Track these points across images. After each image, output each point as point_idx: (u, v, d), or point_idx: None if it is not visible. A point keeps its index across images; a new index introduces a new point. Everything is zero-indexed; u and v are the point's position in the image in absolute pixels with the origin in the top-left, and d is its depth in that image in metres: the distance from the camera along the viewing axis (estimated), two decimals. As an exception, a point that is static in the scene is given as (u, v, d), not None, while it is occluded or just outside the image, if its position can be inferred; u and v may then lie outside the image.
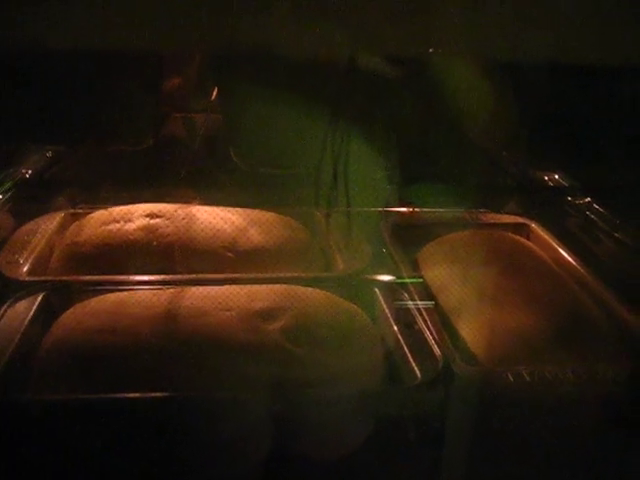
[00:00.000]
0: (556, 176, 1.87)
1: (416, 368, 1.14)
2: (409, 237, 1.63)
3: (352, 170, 1.46)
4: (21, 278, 1.32)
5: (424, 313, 1.30)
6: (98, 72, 1.10)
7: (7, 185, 1.44)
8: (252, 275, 1.36)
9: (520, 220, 1.76)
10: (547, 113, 1.57)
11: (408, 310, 1.32)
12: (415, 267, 1.52)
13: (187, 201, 1.55)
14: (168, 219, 1.47)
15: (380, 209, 1.76)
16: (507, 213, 1.81)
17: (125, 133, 1.11)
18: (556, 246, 1.62)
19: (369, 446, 1.15)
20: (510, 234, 1.67)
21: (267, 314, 1.17)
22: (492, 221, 1.77)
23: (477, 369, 1.16)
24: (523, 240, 1.66)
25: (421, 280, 1.44)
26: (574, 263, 1.54)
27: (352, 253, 1.51)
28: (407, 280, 1.42)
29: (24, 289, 1.28)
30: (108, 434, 1.03)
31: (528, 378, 1.12)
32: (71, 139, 1.12)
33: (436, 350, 1.18)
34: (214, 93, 1.56)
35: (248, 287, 1.25)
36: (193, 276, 1.35)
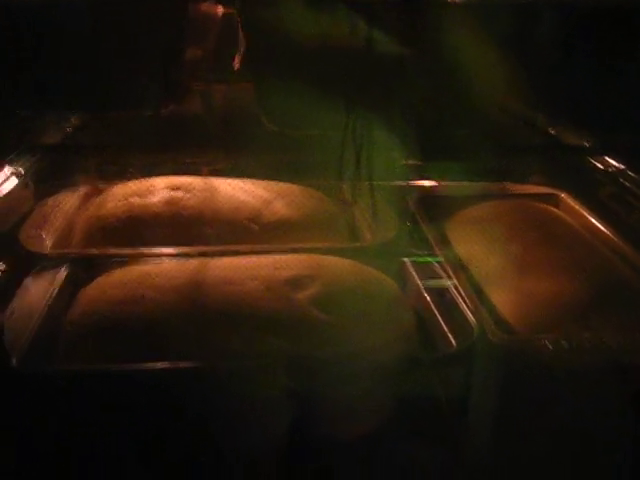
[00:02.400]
0: (585, 143, 1.81)
1: (450, 336, 1.11)
2: (436, 209, 1.60)
3: (372, 146, 1.44)
4: (45, 252, 1.30)
5: (456, 282, 1.26)
6: (117, 40, 1.07)
7: (26, 158, 1.41)
8: (278, 246, 1.33)
9: (549, 190, 1.71)
10: (567, 78, 1.52)
11: (439, 279, 1.28)
12: (444, 238, 1.48)
13: (210, 173, 1.52)
14: (190, 191, 1.44)
15: (404, 182, 1.72)
16: (535, 184, 1.77)
17: (141, 100, 1.08)
18: (588, 215, 1.57)
19: (401, 417, 1.12)
20: (540, 203, 1.62)
21: (295, 283, 1.14)
22: (520, 191, 1.73)
23: (514, 337, 1.12)
24: (553, 209, 1.61)
25: (451, 250, 1.41)
26: (607, 232, 1.49)
27: (379, 224, 1.48)
28: (436, 250, 1.38)
29: (48, 262, 1.26)
30: (133, 405, 1.01)
31: (566, 345, 1.08)
32: (89, 106, 1.09)
33: (470, 318, 1.14)
34: (236, 63, 1.53)
35: (274, 256, 1.22)
36: (217, 247, 1.32)
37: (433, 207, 1.60)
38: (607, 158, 1.75)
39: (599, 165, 1.74)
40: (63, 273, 1.25)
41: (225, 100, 1.54)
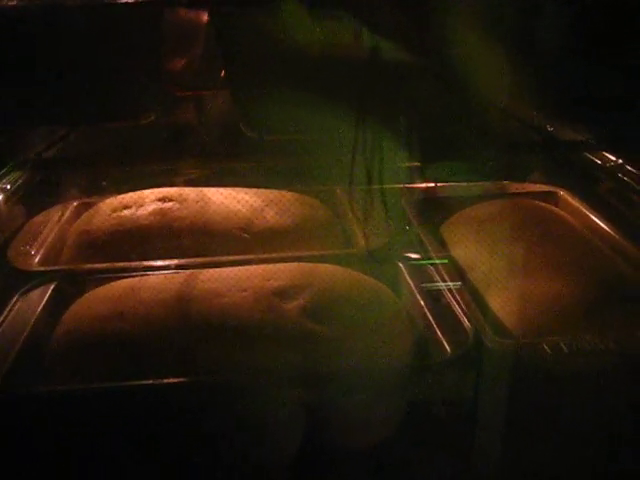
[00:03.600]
0: (581, 139, 1.78)
1: (445, 343, 1.08)
2: (432, 212, 1.57)
3: (371, 149, 1.42)
4: (32, 268, 1.28)
5: (452, 287, 1.24)
6: (100, 50, 1.04)
7: (15, 175, 1.39)
8: (270, 255, 1.30)
9: (548, 188, 1.68)
10: (564, 72, 1.49)
11: (435, 283, 1.25)
12: (440, 241, 1.45)
13: (200, 182, 1.50)
14: (181, 202, 1.42)
15: (401, 185, 1.70)
16: (533, 182, 1.74)
17: (128, 110, 1.06)
18: (588, 213, 1.54)
19: (400, 425, 1.09)
20: (539, 202, 1.59)
21: (284, 293, 1.11)
22: (518, 190, 1.70)
23: (510, 341, 1.09)
24: (552, 207, 1.58)
25: (447, 253, 1.38)
26: (608, 229, 1.46)
27: (373, 229, 1.45)
28: (432, 254, 1.36)
29: (35, 279, 1.24)
30: (123, 424, 0.98)
31: (566, 349, 1.05)
32: (74, 118, 1.07)
33: (465, 323, 1.12)
34: (223, 70, 1.51)
35: (263, 267, 1.19)
36: (207, 259, 1.30)
37: (429, 209, 1.57)
38: (605, 153, 1.71)
39: (597, 161, 1.70)
40: (51, 290, 1.22)
41: (214, 107, 1.52)
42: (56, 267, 1.31)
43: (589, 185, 1.69)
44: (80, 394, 0.99)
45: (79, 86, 0.99)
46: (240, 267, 1.19)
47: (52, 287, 1.23)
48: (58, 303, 1.21)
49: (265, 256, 1.29)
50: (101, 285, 1.21)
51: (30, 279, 1.24)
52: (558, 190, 1.66)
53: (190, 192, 1.46)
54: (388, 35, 1.23)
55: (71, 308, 1.15)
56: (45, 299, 1.20)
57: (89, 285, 1.24)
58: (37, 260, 1.32)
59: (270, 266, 1.19)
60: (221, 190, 1.49)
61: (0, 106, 0.99)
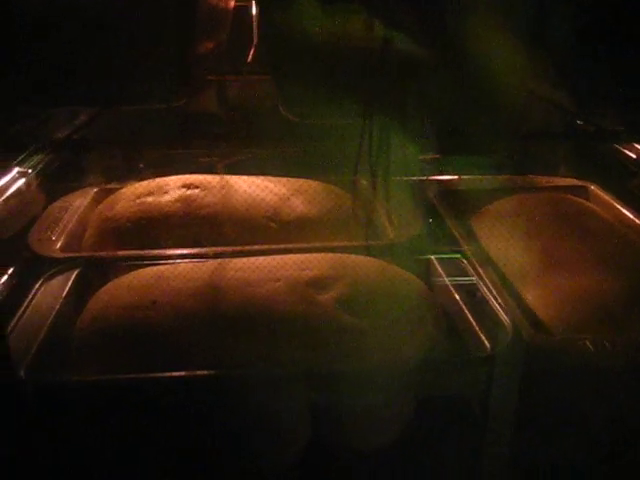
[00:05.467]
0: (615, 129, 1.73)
1: (484, 338, 1.04)
2: (460, 204, 1.53)
3: (390, 141, 1.39)
4: (54, 255, 1.25)
5: (486, 280, 1.20)
6: (134, 31, 1.00)
7: (36, 159, 1.35)
8: (300, 245, 1.26)
9: (577, 182, 1.64)
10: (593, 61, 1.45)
11: (468, 277, 1.22)
12: (471, 234, 1.41)
13: (226, 167, 1.46)
14: (205, 189, 1.39)
15: (424, 178, 1.66)
16: (561, 176, 1.70)
17: (161, 92, 1.02)
18: (620, 207, 1.50)
19: (432, 423, 1.06)
20: (569, 196, 1.55)
21: (318, 283, 1.08)
22: (548, 184, 1.66)
23: (552, 338, 1.05)
24: (584, 201, 1.54)
25: (480, 247, 1.34)
26: (641, 224, 1.42)
27: (402, 221, 1.41)
28: (464, 247, 1.32)
29: (57, 266, 1.21)
30: (151, 416, 0.95)
31: (609, 346, 1.02)
32: (105, 100, 1.03)
33: (504, 318, 1.08)
34: (250, 55, 1.47)
35: (296, 256, 1.16)
36: (235, 247, 1.26)
37: (457, 202, 1.53)
38: (637, 145, 1.66)
39: (629, 153, 1.66)
40: (74, 277, 1.19)
41: (239, 93, 1.48)
42: (79, 254, 1.27)
43: (619, 179, 1.65)
44: (113, 384, 0.96)
45: (111, 67, 0.95)
46: (272, 256, 1.15)
47: (75, 274, 1.20)
48: (82, 290, 1.17)
49: (296, 246, 1.25)
50: (125, 273, 1.18)
51: (53, 265, 1.21)
52: (588, 184, 1.62)
53: (213, 179, 1.43)
54: (401, 27, 1.20)
55: (96, 295, 1.11)
56: (68, 286, 1.17)
57: (113, 272, 1.21)
58: (59, 246, 1.29)
59: (303, 256, 1.15)
60: (244, 178, 1.46)
61: (26, 85, 0.95)
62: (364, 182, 1.61)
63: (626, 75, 1.42)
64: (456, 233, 1.37)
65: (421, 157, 1.63)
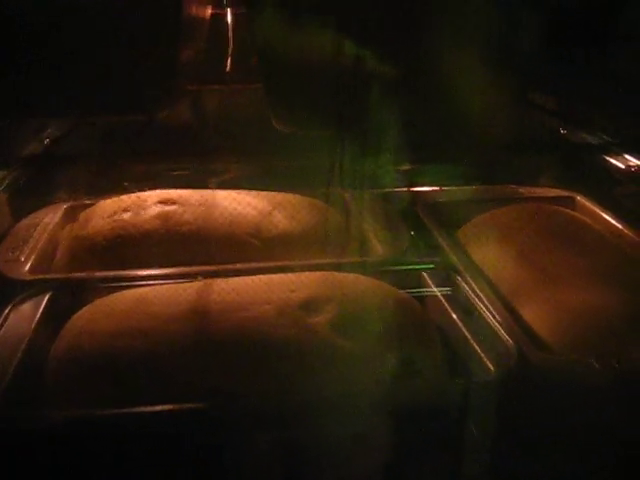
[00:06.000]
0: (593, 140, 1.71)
1: (486, 360, 0.99)
2: (445, 216, 1.48)
3: (363, 153, 1.35)
4: (23, 277, 1.16)
5: (481, 296, 1.15)
6: (117, 39, 0.94)
7: (1, 172, 1.27)
8: (285, 263, 1.21)
9: (564, 193, 1.61)
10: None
11: (463, 295, 1.17)
12: (460, 247, 1.36)
13: (203, 184, 1.40)
14: (184, 205, 1.32)
15: (405, 189, 1.62)
16: (546, 186, 1.67)
17: (136, 103, 0.95)
18: (608, 217, 1.47)
19: (434, 447, 1.00)
20: (558, 207, 1.51)
21: (310, 305, 1.02)
22: (533, 195, 1.63)
23: (559, 358, 1.01)
24: (574, 213, 1.51)
25: (471, 260, 1.29)
26: (633, 236, 1.39)
27: (389, 235, 1.36)
28: (455, 261, 1.27)
29: (27, 289, 1.13)
30: (137, 454, 0.88)
31: (616, 364, 0.97)
32: (84, 110, 0.96)
33: (504, 337, 1.03)
34: (228, 64, 1.41)
35: (283, 277, 1.10)
36: (217, 267, 1.19)
37: (442, 214, 1.49)
38: (607, 158, 1.64)
39: (614, 162, 1.64)
40: (46, 301, 1.11)
41: (219, 103, 1.42)
42: (51, 275, 1.19)
43: (604, 189, 1.62)
44: (89, 420, 0.88)
45: (91, 76, 0.88)
46: (258, 277, 1.09)
47: (47, 298, 1.12)
48: (55, 316, 1.09)
49: (282, 264, 1.19)
50: (102, 295, 1.10)
51: (22, 289, 1.13)
52: (575, 195, 1.59)
53: (192, 194, 1.36)
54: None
55: (71, 321, 1.04)
56: (40, 311, 1.08)
57: (88, 295, 1.13)
58: (27, 268, 1.20)
59: (291, 276, 1.09)
60: (223, 193, 1.39)
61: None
62: (346, 195, 1.56)
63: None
64: (446, 247, 1.33)
65: (396, 168, 1.59)
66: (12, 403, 0.91)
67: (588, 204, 1.55)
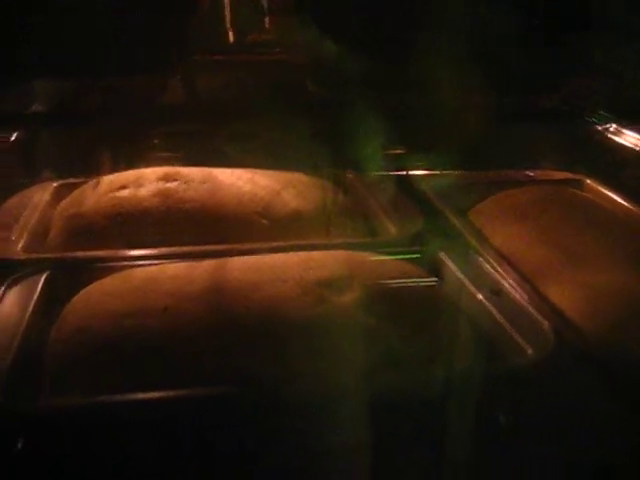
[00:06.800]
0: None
1: (522, 341, 0.93)
2: (456, 198, 1.43)
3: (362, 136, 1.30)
4: (17, 257, 1.08)
5: (506, 278, 1.10)
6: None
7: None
8: (299, 242, 1.14)
9: (572, 175, 1.57)
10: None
11: (487, 275, 1.11)
12: (474, 228, 1.31)
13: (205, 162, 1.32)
14: (186, 182, 1.24)
15: (405, 172, 1.57)
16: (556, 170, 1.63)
17: (152, 64, 0.88)
18: (619, 199, 1.43)
19: (460, 436, 0.94)
20: (569, 188, 1.47)
21: (331, 284, 0.95)
22: (541, 178, 1.59)
23: (597, 340, 0.95)
24: (584, 194, 1.47)
25: (488, 241, 1.24)
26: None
27: (400, 216, 1.30)
28: (473, 241, 1.22)
29: (22, 269, 1.04)
30: (151, 443, 0.80)
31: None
32: (97, 70, 0.89)
33: (539, 319, 0.97)
34: (230, 35, 1.34)
35: (300, 255, 1.03)
36: (225, 246, 1.12)
37: (453, 197, 1.44)
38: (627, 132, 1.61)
39: (620, 141, 1.60)
40: (43, 282, 1.02)
41: (223, 75, 1.34)
42: (48, 254, 1.11)
43: (609, 171, 1.59)
44: (98, 408, 0.80)
45: (107, 36, 0.81)
46: (274, 255, 1.02)
47: (44, 278, 1.03)
48: (53, 297, 1.01)
49: (296, 243, 1.12)
50: (102, 275, 1.02)
51: (17, 269, 1.04)
52: (583, 177, 1.55)
53: (195, 172, 1.29)
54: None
55: (74, 302, 0.95)
56: (37, 292, 1.00)
57: (86, 275, 1.05)
58: (20, 247, 1.12)
59: (308, 254, 1.03)
60: (228, 170, 1.32)
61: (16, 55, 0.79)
62: (349, 176, 1.50)
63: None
64: (461, 228, 1.27)
65: (386, 152, 1.54)
66: (16, 390, 0.82)
67: (597, 186, 1.51)
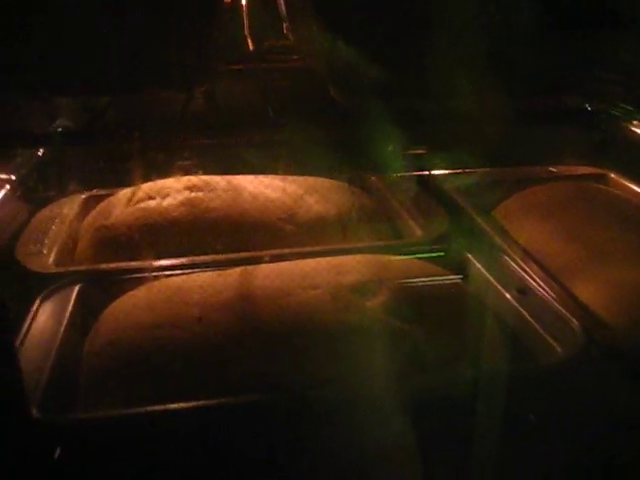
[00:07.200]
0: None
1: (551, 340, 0.93)
2: (479, 197, 1.43)
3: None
4: (49, 270, 1.09)
5: (533, 276, 1.09)
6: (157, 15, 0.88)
7: (18, 162, 1.20)
8: (326, 247, 1.15)
9: (597, 170, 1.56)
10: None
11: (514, 274, 1.11)
12: (500, 227, 1.31)
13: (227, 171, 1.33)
14: (211, 191, 1.25)
15: (436, 172, 1.56)
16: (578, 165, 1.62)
17: (175, 79, 0.89)
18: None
19: (491, 436, 0.94)
20: (593, 184, 1.46)
21: (361, 289, 0.96)
22: (565, 173, 1.58)
23: (629, 337, 0.95)
24: (609, 189, 1.46)
25: (514, 240, 1.24)
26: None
27: (425, 217, 1.31)
28: (499, 241, 1.21)
29: (55, 283, 1.06)
30: (184, 453, 0.81)
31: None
32: (116, 87, 0.90)
33: (567, 317, 0.97)
34: (250, 42, 1.35)
35: (329, 260, 1.03)
36: (254, 253, 1.14)
37: (477, 194, 1.43)
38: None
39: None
40: (75, 295, 1.04)
41: (243, 85, 1.35)
42: (80, 267, 1.12)
43: (633, 165, 1.57)
44: (131, 420, 0.81)
45: (129, 52, 0.82)
46: (302, 261, 1.03)
47: (76, 291, 1.05)
48: (86, 309, 1.03)
49: (323, 248, 1.13)
50: (133, 287, 1.04)
51: (49, 282, 1.06)
52: (608, 172, 1.53)
53: (218, 180, 1.30)
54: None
55: (106, 315, 0.97)
56: (71, 305, 1.02)
57: (117, 287, 1.06)
58: (52, 260, 1.14)
59: (336, 259, 1.03)
60: (250, 177, 1.33)
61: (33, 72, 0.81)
62: (372, 179, 1.51)
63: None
64: (487, 228, 1.27)
65: (407, 152, 1.54)
66: (55, 404, 0.84)
67: (622, 181, 1.50)
